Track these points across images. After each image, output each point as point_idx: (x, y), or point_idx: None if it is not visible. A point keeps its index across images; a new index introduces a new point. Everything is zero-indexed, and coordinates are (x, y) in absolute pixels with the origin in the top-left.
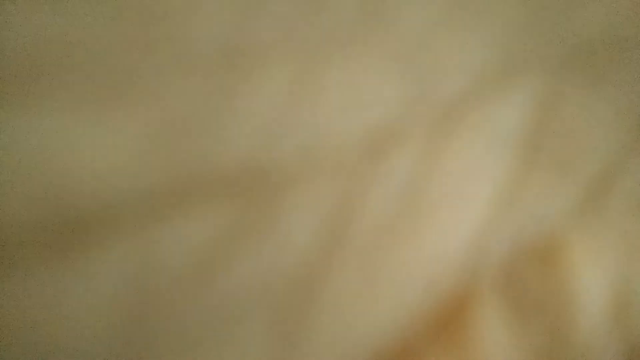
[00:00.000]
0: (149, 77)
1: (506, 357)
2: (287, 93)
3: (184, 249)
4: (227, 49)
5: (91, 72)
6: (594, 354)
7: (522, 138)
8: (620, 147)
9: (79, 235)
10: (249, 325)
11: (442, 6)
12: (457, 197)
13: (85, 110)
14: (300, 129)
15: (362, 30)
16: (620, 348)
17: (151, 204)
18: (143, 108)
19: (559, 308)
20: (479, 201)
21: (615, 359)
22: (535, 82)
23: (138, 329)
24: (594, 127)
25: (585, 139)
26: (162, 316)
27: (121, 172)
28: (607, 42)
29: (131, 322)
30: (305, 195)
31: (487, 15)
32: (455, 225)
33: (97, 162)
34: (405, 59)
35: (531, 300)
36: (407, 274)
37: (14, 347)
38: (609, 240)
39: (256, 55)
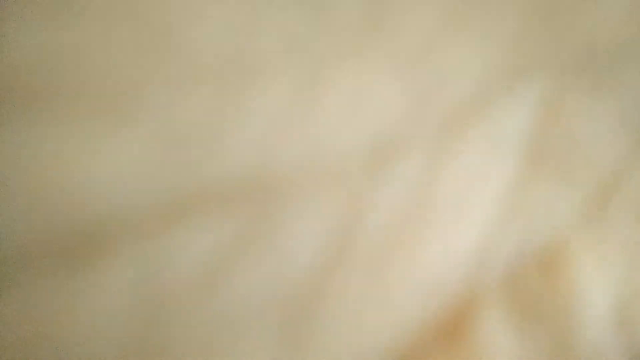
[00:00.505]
0: (152, 88)
1: None
2: (290, 103)
3: (192, 257)
4: (230, 60)
5: (96, 83)
6: (598, 359)
7: (526, 144)
8: (624, 152)
9: (85, 245)
10: (257, 330)
11: (445, 12)
12: (461, 203)
13: (90, 120)
14: (304, 138)
15: (365, 38)
16: (624, 353)
17: (157, 214)
18: (146, 119)
19: (562, 313)
20: (482, 208)
21: None
22: (539, 88)
23: (146, 336)
24: (598, 132)
25: (589, 144)
26: (169, 323)
27: (128, 182)
28: (611, 47)
29: (139, 330)
30: (311, 202)
31: (490, 21)
32: (460, 231)
33: (102, 172)
34: (408, 65)
35: (535, 306)
36: (412, 280)
37: (24, 357)
38: (613, 246)
39: (259, 65)
